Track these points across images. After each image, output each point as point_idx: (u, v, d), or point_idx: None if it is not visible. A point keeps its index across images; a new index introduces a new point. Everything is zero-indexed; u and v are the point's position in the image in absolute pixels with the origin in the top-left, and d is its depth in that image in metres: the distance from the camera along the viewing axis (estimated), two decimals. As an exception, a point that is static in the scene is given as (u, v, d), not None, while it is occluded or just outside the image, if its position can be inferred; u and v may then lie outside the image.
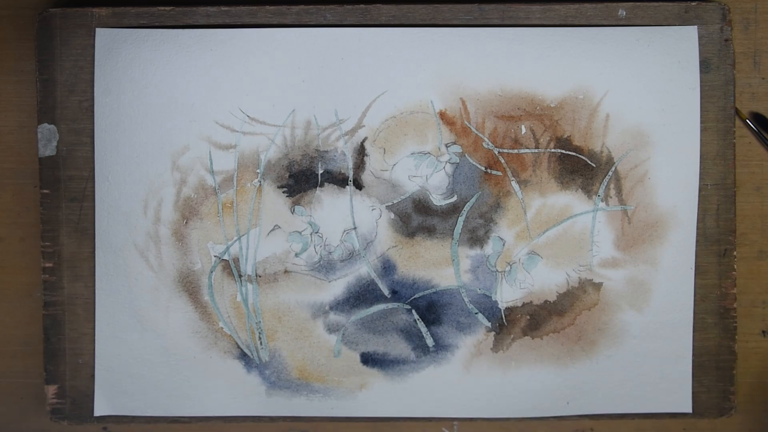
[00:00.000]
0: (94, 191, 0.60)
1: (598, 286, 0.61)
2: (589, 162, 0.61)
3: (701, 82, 0.60)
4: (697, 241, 0.62)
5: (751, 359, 0.65)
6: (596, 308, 0.62)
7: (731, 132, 0.61)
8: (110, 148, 0.59)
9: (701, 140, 0.61)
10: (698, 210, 0.61)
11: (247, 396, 0.62)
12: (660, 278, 0.61)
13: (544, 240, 0.61)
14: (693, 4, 0.60)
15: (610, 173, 0.61)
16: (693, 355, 0.62)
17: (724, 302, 0.62)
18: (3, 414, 0.64)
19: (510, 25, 0.60)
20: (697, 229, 0.61)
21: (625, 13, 0.60)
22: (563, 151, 0.61)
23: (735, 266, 0.62)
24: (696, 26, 0.60)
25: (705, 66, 0.60)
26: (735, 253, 0.62)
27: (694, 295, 0.62)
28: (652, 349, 0.62)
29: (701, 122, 0.61)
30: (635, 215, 0.61)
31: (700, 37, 0.60)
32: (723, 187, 0.61)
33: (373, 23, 0.60)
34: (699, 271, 0.62)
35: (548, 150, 0.61)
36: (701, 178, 0.61)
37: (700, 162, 0.61)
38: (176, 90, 0.59)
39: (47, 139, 0.60)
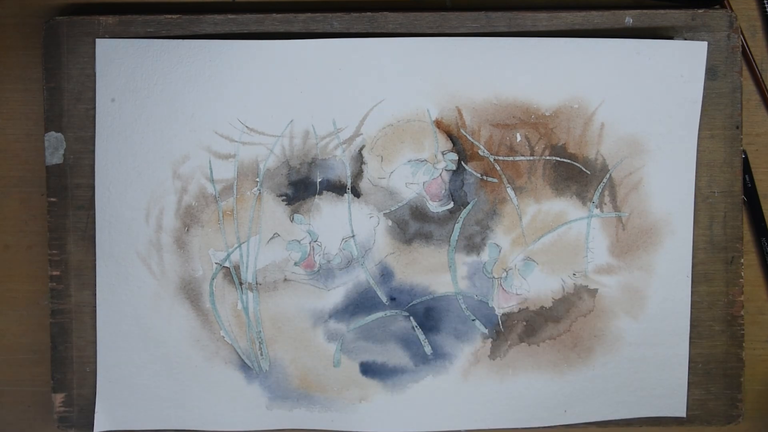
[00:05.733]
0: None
1: (593, 293, 0.61)
2: (584, 169, 0.61)
3: (708, 89, 0.60)
4: (704, 248, 0.61)
5: (759, 367, 0.65)
6: (592, 315, 0.61)
7: (738, 139, 0.61)
8: (111, 158, 0.60)
9: (708, 148, 0.61)
10: (704, 218, 0.61)
11: (247, 409, 0.62)
12: (655, 285, 0.61)
13: (540, 246, 0.61)
14: (700, 11, 0.60)
15: (605, 180, 0.61)
16: (699, 362, 0.62)
17: (731, 310, 0.62)
18: (10, 422, 0.65)
19: (517, 32, 0.60)
20: (704, 236, 0.61)
21: (632, 20, 0.60)
22: (558, 159, 0.61)
23: (742, 274, 0.61)
24: (706, 42, 0.60)
25: (712, 74, 0.60)
26: (742, 260, 0.61)
27: (696, 303, 0.62)
28: (648, 356, 0.61)
29: (708, 130, 0.61)
30: (629, 222, 0.61)
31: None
32: (730, 194, 0.61)
33: (379, 31, 0.60)
34: (706, 278, 0.61)
35: (543, 157, 0.61)
36: (708, 186, 0.61)
37: (707, 169, 0.61)
38: (176, 100, 0.59)
39: (54, 148, 0.60)
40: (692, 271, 0.61)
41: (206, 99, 0.60)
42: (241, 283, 0.61)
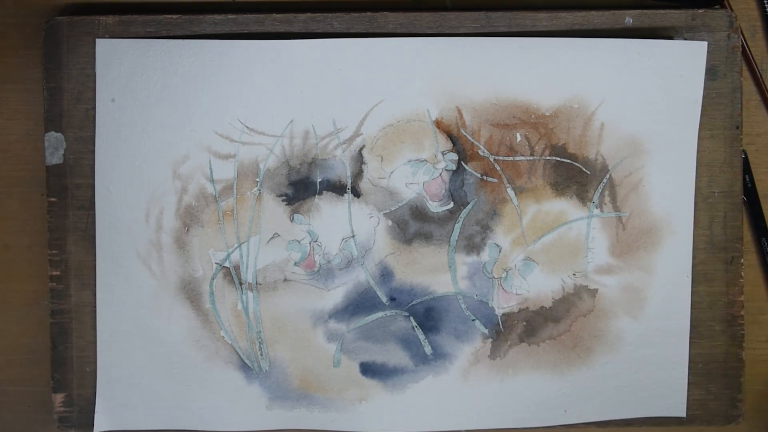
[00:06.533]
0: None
1: (593, 293, 0.61)
2: (584, 169, 0.61)
3: (708, 89, 0.60)
4: (704, 248, 0.61)
5: (759, 367, 0.65)
6: (592, 315, 0.61)
7: (738, 139, 0.61)
8: (111, 158, 0.60)
9: (708, 148, 0.61)
10: (704, 218, 0.61)
11: (247, 410, 0.62)
12: (655, 285, 0.61)
13: (540, 246, 0.61)
14: (700, 11, 0.60)
15: (605, 180, 0.61)
16: (699, 362, 0.62)
17: (731, 310, 0.62)
18: (10, 422, 0.65)
19: (517, 32, 0.60)
20: (704, 236, 0.61)
21: (632, 20, 0.60)
22: (558, 159, 0.61)
23: (742, 274, 0.61)
24: (706, 42, 0.60)
25: (712, 74, 0.60)
26: (742, 260, 0.61)
27: (696, 303, 0.62)
28: (647, 356, 0.61)
29: (708, 130, 0.61)
30: (629, 222, 0.61)
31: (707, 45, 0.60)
32: (730, 194, 0.61)
33: (379, 31, 0.60)
34: (706, 278, 0.61)
35: (543, 157, 0.61)
36: (708, 186, 0.61)
37: (707, 169, 0.61)
38: (176, 100, 0.59)
39: (54, 148, 0.60)
40: (692, 271, 0.61)
41: (206, 99, 0.60)
42: (241, 283, 0.61)
